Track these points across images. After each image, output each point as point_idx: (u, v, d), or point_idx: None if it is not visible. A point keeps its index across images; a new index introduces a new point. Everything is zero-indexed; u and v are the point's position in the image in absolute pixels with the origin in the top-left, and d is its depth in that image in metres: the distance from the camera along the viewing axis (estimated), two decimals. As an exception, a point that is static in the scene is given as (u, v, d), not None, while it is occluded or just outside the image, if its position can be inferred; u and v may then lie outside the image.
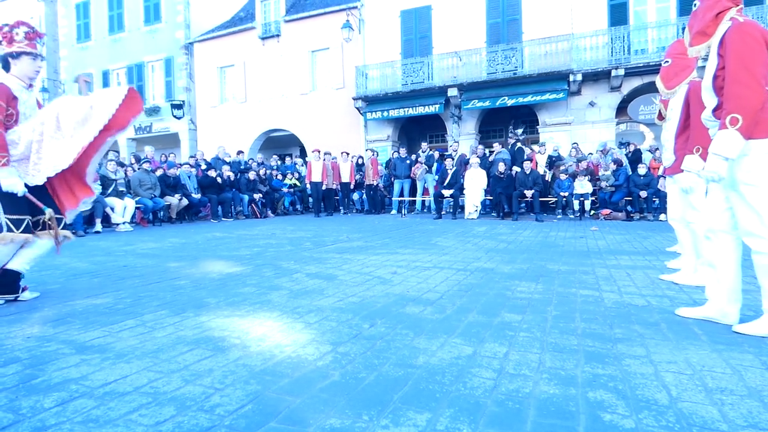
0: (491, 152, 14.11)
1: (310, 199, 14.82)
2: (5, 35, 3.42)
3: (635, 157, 12.28)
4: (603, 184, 11.36)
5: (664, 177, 4.17)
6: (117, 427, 1.48)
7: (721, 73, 2.43)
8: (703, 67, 2.58)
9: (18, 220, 3.27)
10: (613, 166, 11.53)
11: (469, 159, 12.80)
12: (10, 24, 3.45)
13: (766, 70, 2.30)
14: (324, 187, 13.64)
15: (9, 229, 3.24)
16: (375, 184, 14.35)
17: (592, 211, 11.60)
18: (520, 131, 15.75)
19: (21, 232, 3.25)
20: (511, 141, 13.65)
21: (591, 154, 13.01)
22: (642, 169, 10.76)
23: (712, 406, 1.61)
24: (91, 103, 3.54)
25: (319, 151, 13.72)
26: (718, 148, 2.33)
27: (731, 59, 2.32)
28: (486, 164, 12.67)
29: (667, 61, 3.82)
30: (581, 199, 11.35)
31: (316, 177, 13.41)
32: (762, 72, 2.29)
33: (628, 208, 11.04)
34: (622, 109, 15.98)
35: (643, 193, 10.46)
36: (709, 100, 2.57)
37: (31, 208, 3.37)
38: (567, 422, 1.50)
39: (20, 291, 3.39)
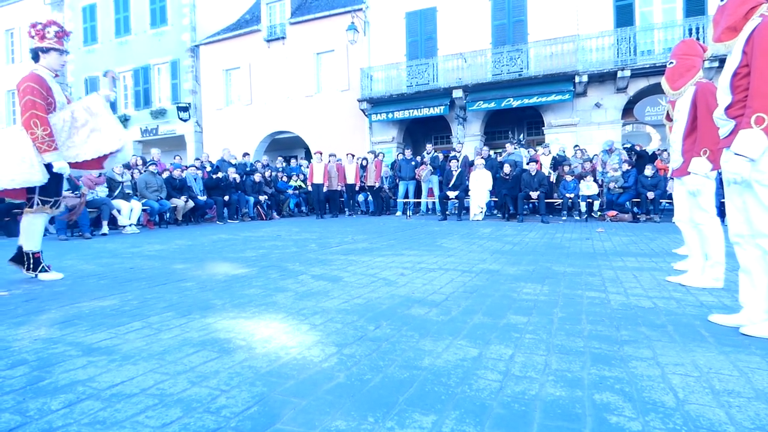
0: (498, 154, 14.11)
1: (316, 201, 14.87)
2: (38, 32, 3.99)
3: (642, 159, 12.23)
4: (612, 185, 11.32)
5: (672, 179, 4.14)
6: (124, 429, 1.48)
7: (742, 71, 2.35)
8: (710, 68, 2.57)
9: (46, 200, 4.06)
10: (626, 166, 11.45)
11: (473, 160, 12.79)
12: (43, 23, 4.01)
13: None
14: (326, 189, 13.67)
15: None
16: (376, 186, 14.36)
17: (599, 213, 11.55)
18: (521, 136, 15.83)
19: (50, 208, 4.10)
20: (511, 148, 13.69)
21: (596, 155, 12.99)
22: (649, 170, 10.71)
23: (720, 408, 1.60)
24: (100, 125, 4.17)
25: (320, 153, 13.75)
26: (742, 148, 2.23)
27: (760, 56, 2.22)
28: (495, 164, 12.68)
29: (672, 62, 3.77)
30: (588, 200, 11.31)
31: (318, 179, 13.44)
32: None
33: (635, 209, 10.99)
34: (628, 111, 15.93)
35: (651, 195, 10.42)
36: (724, 97, 2.48)
37: (57, 187, 4.15)
38: (573, 425, 1.49)
39: (40, 269, 4.14)
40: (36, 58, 4.05)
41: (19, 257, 4.20)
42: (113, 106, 4.35)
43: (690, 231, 4.00)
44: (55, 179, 4.07)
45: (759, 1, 2.36)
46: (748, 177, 2.30)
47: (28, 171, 3.82)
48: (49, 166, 3.93)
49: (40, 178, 3.86)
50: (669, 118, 4.30)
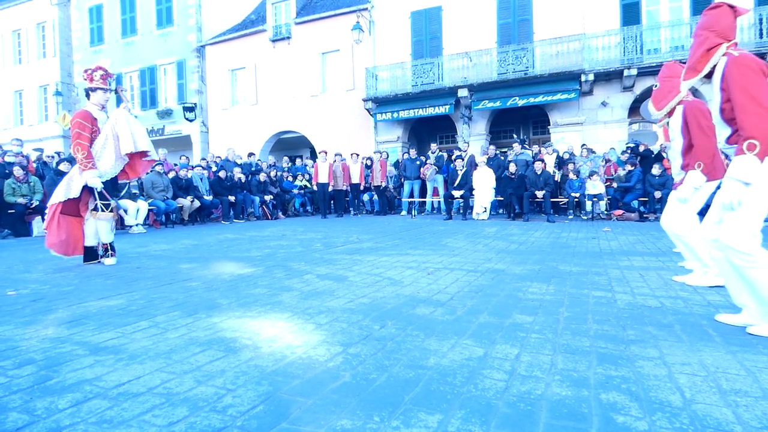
0: (503, 153, 14.07)
1: (321, 201, 14.90)
2: (89, 75, 5.12)
3: (647, 158, 12.16)
4: (615, 184, 11.28)
5: (675, 189, 4.11)
6: (131, 428, 1.49)
7: (726, 106, 2.49)
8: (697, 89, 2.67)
9: (106, 204, 5.16)
10: (629, 167, 11.42)
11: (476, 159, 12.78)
12: (92, 68, 5.17)
13: None
14: (332, 189, 13.67)
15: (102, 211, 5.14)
16: (383, 186, 14.35)
17: (606, 211, 11.51)
18: (524, 136, 15.85)
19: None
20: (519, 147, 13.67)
21: (605, 154, 12.92)
22: (656, 170, 10.65)
23: (727, 407, 1.59)
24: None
25: (326, 153, 13.75)
26: (737, 173, 2.34)
27: (736, 92, 2.39)
28: (501, 164, 12.69)
29: (656, 85, 4.04)
30: (594, 199, 11.26)
31: (323, 178, 13.45)
32: (767, 98, 2.33)
33: (641, 208, 10.94)
34: (634, 109, 15.84)
35: (658, 194, 10.36)
36: (722, 131, 2.62)
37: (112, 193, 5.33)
38: (580, 424, 1.49)
39: (101, 257, 5.24)
40: (87, 96, 5.19)
41: (91, 255, 5.23)
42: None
43: (675, 233, 3.94)
44: (106, 188, 5.18)
45: (716, 42, 2.57)
46: (744, 201, 2.37)
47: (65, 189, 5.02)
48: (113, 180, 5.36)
49: (76, 193, 4.98)
50: (668, 138, 4.37)
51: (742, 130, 2.36)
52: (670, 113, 3.94)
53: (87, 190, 5.03)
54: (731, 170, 2.37)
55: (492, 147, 14.18)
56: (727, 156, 3.74)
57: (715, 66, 2.59)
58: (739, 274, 2.48)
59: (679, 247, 4.09)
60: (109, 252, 5.23)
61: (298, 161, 16.67)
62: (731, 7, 2.61)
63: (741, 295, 2.56)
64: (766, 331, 2.39)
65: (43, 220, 7.56)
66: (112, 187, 5.37)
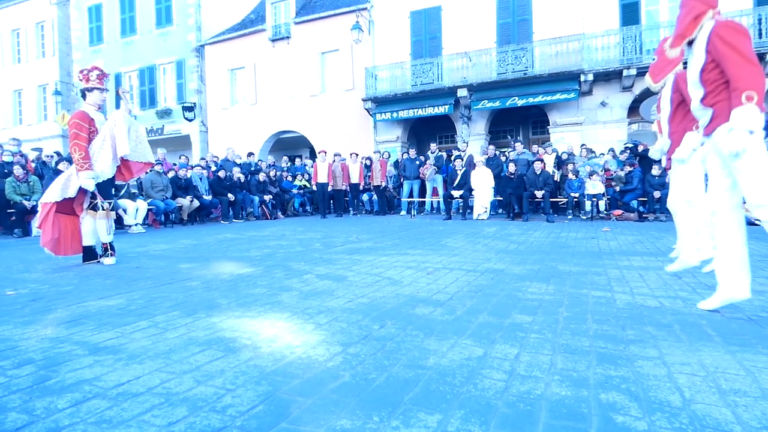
0: (502, 153, 14.08)
1: (320, 201, 14.90)
2: (84, 76, 5.12)
3: (645, 158, 12.16)
4: (613, 183, 11.28)
5: (669, 161, 4.32)
6: (130, 428, 1.49)
7: (708, 66, 2.69)
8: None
9: (102, 204, 5.15)
10: (628, 168, 11.42)
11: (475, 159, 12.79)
12: (88, 68, 5.16)
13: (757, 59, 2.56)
14: (331, 189, 13.67)
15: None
16: (382, 185, 14.35)
17: (606, 212, 11.51)
18: (517, 137, 15.99)
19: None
20: (521, 147, 13.71)
21: (603, 154, 12.91)
22: (656, 170, 10.65)
23: (726, 407, 1.59)
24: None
25: (324, 153, 13.75)
26: (743, 122, 2.45)
27: (729, 51, 2.56)
28: (501, 164, 12.71)
29: (654, 59, 4.20)
30: (594, 199, 11.27)
31: (322, 178, 13.44)
32: (756, 58, 2.54)
33: (641, 208, 10.94)
34: (633, 109, 15.84)
35: (657, 194, 10.36)
36: (696, 92, 2.83)
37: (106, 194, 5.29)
38: (579, 424, 1.49)
39: (100, 257, 5.23)
40: (84, 96, 5.18)
41: (89, 255, 5.24)
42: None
43: (683, 213, 4.07)
44: (103, 188, 5.20)
45: (702, 9, 2.74)
46: (748, 148, 2.51)
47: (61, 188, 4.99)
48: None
49: (72, 193, 4.98)
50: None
51: (738, 83, 2.51)
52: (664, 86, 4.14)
53: (83, 189, 5.04)
54: (736, 121, 2.49)
55: (492, 147, 14.18)
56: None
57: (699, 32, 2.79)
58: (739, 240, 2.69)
59: (680, 222, 4.16)
60: (109, 252, 5.23)
61: (297, 161, 16.67)
62: None
63: (727, 264, 2.76)
64: (712, 304, 2.82)
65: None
66: (111, 186, 5.38)
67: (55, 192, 4.94)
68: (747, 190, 2.57)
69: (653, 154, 4.64)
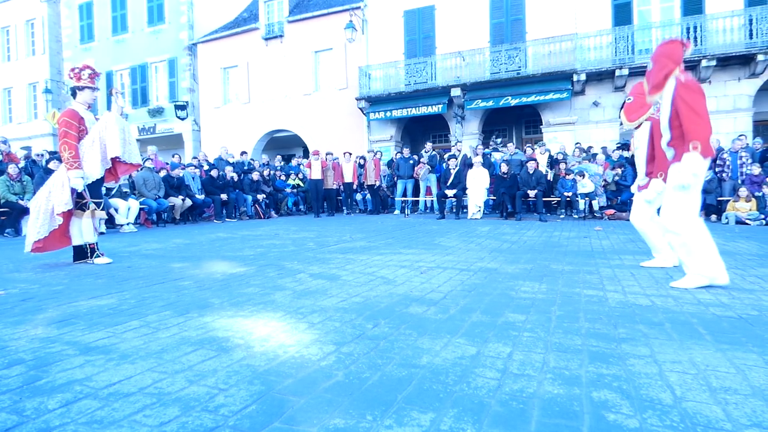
0: (491, 153, 14.12)
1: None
2: (76, 74, 5.07)
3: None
4: (606, 180, 11.34)
5: (639, 190, 4.78)
6: (121, 428, 1.48)
7: (674, 116, 3.45)
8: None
9: (98, 203, 5.21)
10: (619, 169, 11.48)
11: (471, 159, 12.79)
12: (80, 67, 5.12)
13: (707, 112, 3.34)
14: (324, 187, 13.64)
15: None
16: (376, 185, 14.34)
17: (598, 210, 11.55)
18: (499, 140, 16.09)
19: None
20: (513, 148, 13.77)
21: (596, 154, 12.97)
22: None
23: (717, 405, 1.61)
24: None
25: (318, 153, 13.71)
26: (690, 167, 3.28)
27: (684, 108, 3.33)
28: (489, 163, 12.72)
29: (630, 99, 4.62)
30: (586, 198, 11.30)
31: (316, 175, 13.41)
32: (706, 112, 3.32)
33: (633, 208, 10.99)
34: (626, 109, 15.93)
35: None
36: (666, 134, 3.64)
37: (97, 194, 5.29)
38: (571, 422, 1.50)
39: (93, 256, 5.16)
40: (74, 94, 5.14)
41: (79, 254, 5.19)
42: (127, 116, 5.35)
43: (647, 230, 4.57)
44: (93, 188, 5.20)
45: (670, 69, 3.47)
46: (694, 184, 3.36)
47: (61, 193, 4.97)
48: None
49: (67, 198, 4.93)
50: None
51: (689, 135, 3.30)
52: (638, 126, 4.67)
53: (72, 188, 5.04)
54: (686, 165, 3.30)
55: (480, 146, 14.19)
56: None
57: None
58: (680, 244, 3.49)
59: (644, 237, 4.66)
60: (97, 252, 5.19)
61: (293, 161, 16.63)
62: (682, 42, 3.48)
63: (685, 261, 3.53)
64: (685, 284, 3.47)
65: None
66: (100, 186, 5.34)
67: (65, 198, 4.90)
68: (664, 212, 3.51)
69: (633, 189, 4.94)
